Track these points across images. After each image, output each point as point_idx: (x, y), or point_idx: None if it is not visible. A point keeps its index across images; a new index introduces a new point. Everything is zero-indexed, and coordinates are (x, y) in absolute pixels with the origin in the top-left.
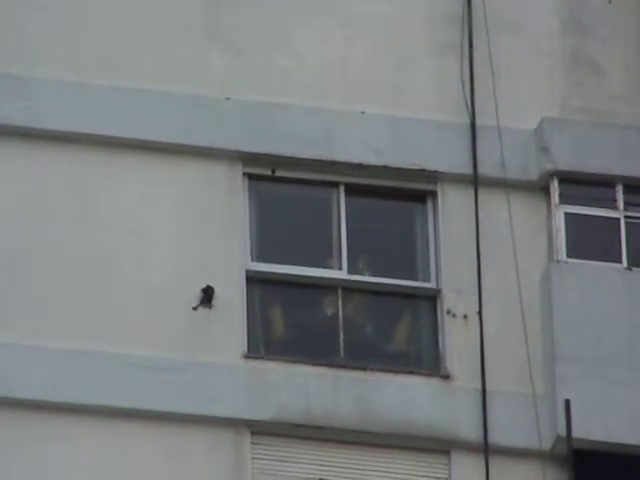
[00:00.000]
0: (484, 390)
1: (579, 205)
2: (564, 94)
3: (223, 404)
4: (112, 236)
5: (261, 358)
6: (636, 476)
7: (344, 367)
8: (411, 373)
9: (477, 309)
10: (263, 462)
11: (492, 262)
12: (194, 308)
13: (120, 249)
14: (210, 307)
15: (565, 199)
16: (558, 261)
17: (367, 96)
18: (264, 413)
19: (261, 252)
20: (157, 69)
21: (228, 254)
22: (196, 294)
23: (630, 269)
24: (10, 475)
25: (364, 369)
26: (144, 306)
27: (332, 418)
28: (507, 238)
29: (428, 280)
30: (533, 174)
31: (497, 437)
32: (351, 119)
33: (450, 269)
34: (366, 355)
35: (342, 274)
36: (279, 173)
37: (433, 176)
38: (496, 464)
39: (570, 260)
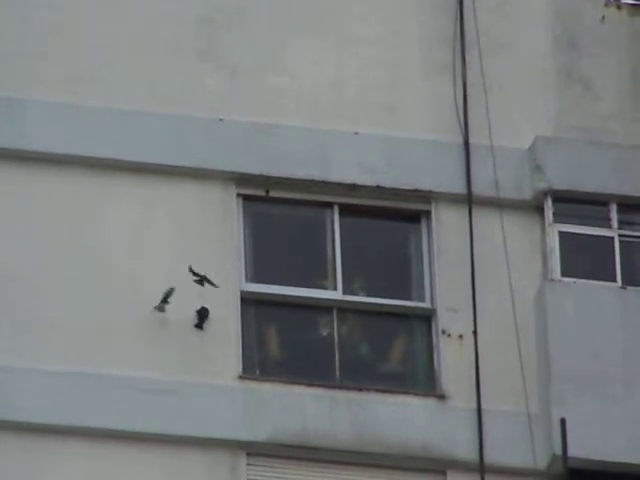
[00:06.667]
0: (479, 409)
1: (573, 224)
2: (557, 112)
3: (218, 425)
4: (106, 258)
5: (256, 379)
6: None
7: (339, 387)
8: (406, 393)
9: (472, 328)
10: None
11: (487, 281)
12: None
13: (115, 271)
14: (204, 328)
15: (559, 218)
16: (552, 280)
17: (360, 116)
18: (260, 434)
19: (256, 273)
20: (150, 90)
21: (223, 275)
22: (191, 315)
23: (624, 288)
24: None
25: (360, 389)
26: (139, 328)
27: (328, 439)
28: (501, 257)
29: (423, 300)
30: (527, 193)
31: (493, 456)
32: (345, 139)
33: (445, 289)
34: (362, 375)
35: (337, 294)
36: (273, 194)
37: (427, 196)
38: None
39: (564, 279)
